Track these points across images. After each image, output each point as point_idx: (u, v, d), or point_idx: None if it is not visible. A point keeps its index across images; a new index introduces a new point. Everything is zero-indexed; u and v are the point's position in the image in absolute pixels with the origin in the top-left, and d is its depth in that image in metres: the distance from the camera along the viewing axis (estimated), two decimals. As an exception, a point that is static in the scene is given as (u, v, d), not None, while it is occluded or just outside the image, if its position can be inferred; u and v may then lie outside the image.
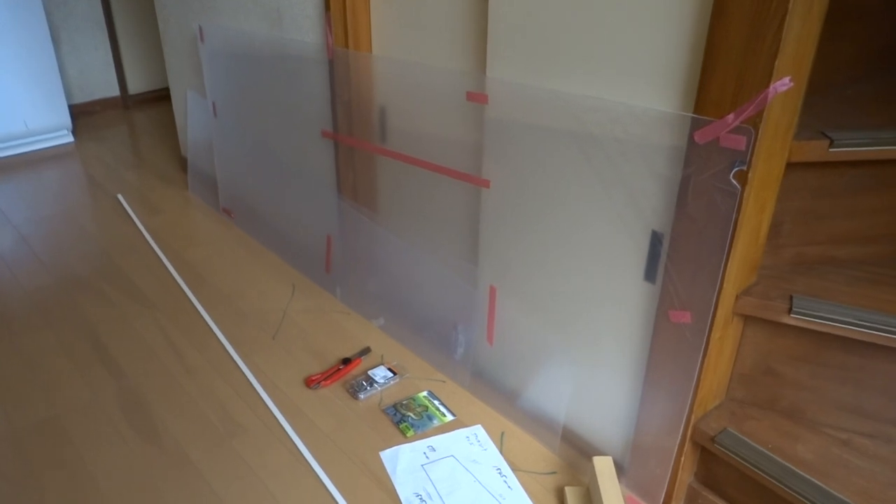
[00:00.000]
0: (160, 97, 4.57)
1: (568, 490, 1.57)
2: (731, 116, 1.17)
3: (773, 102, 1.14)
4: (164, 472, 1.66)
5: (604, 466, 1.52)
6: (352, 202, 2.20)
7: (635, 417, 1.54)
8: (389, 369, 1.98)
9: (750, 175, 1.19)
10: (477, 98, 1.66)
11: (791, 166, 1.30)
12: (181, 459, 1.70)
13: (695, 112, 1.22)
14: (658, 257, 1.38)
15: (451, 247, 1.93)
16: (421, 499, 1.58)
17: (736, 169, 1.20)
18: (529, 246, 1.65)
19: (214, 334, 2.17)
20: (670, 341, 1.39)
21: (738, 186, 1.20)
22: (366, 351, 2.07)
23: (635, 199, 1.38)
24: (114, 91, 4.44)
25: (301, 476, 1.65)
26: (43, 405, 1.88)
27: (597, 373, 1.60)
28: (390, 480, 1.63)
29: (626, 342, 1.51)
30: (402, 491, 1.60)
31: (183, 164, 3.36)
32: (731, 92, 1.16)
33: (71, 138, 3.88)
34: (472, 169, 1.75)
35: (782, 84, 1.13)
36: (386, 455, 1.71)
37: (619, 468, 1.59)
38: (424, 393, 1.90)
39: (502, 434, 1.77)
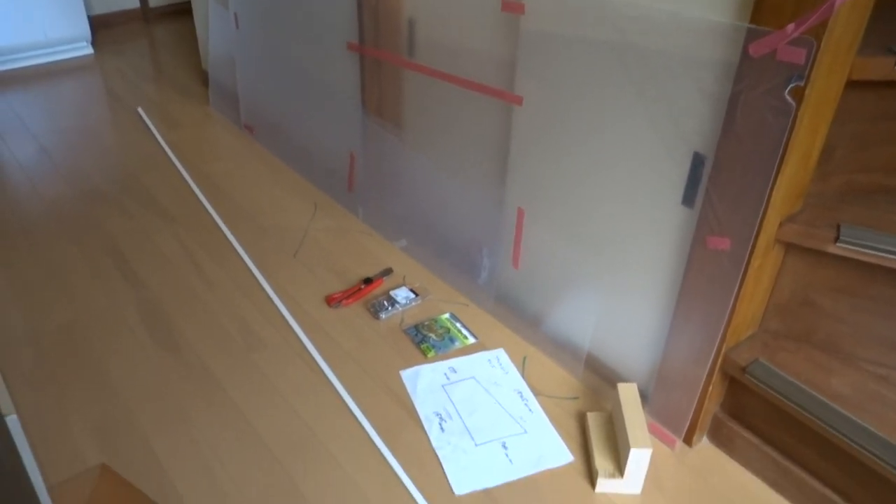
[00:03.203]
0: (181, 11, 4.44)
1: (590, 415, 1.55)
2: (791, 27, 1.08)
3: (838, 12, 1.05)
4: (184, 381, 1.66)
5: (628, 393, 1.49)
6: (376, 119, 2.13)
7: (663, 345, 1.50)
8: (411, 290, 1.95)
9: (807, 92, 1.11)
10: (512, 7, 1.57)
11: (850, 85, 1.21)
12: (200, 370, 1.69)
13: (751, 22, 1.13)
14: (699, 181, 1.31)
15: (479, 166, 1.86)
16: (441, 418, 1.57)
17: (792, 85, 1.12)
18: (561, 166, 1.58)
19: (235, 250, 2.14)
20: (706, 268, 1.34)
21: (793, 104, 1.12)
22: (388, 271, 2.04)
23: (678, 119, 1.31)
24: (134, 3, 4.32)
25: (321, 392, 1.64)
26: (62, 311, 1.87)
27: (625, 299, 1.56)
28: (410, 399, 1.62)
29: (658, 268, 1.46)
30: (422, 409, 1.59)
31: (204, 78, 3.28)
32: (793, 0, 1.07)
33: (90, 50, 3.80)
34: (504, 85, 1.67)
35: (852, -10, 1.04)
36: (406, 374, 1.69)
37: (644, 396, 1.57)
38: (446, 315, 1.87)
39: (524, 358, 1.75)
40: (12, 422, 0.89)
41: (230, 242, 2.17)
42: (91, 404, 1.60)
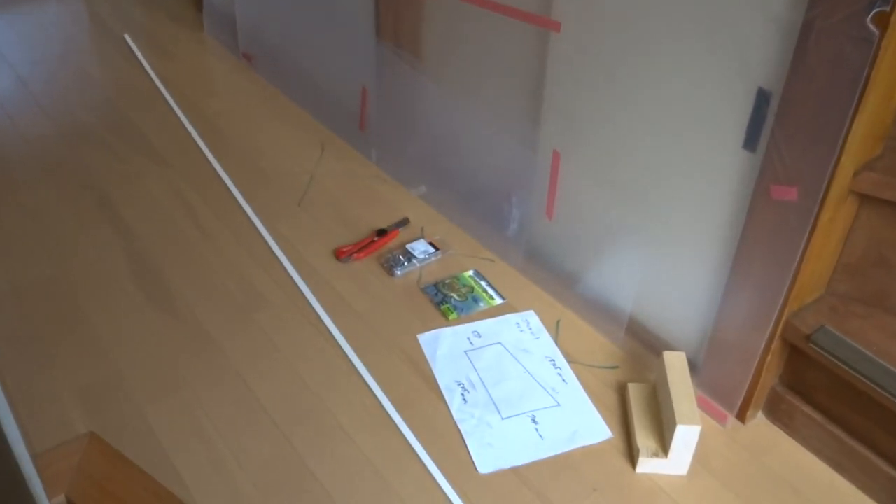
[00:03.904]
0: (172, -77, 4.38)
1: (631, 387, 1.54)
2: (879, -61, 1.03)
3: (937, -78, 1.00)
4: (179, 342, 1.67)
5: (675, 362, 1.48)
6: (393, 47, 2.09)
7: (716, 310, 1.48)
8: (430, 244, 1.94)
9: (893, 18, 1.07)
10: (550, -82, 1.51)
11: (945, 10, 1.15)
12: (197, 330, 1.70)
13: (832, -66, 1.08)
14: (763, 121, 1.27)
15: (509, 103, 1.83)
16: (463, 387, 1.57)
17: (876, 10, 1.07)
18: (604, 103, 1.55)
19: (233, 196, 2.14)
20: (768, 222, 1.31)
21: (877, 32, 1.08)
22: (404, 222, 2.02)
23: (741, 50, 1.27)
24: (119, -86, 4.26)
25: (329, 357, 1.65)
26: (47, 264, 1.88)
27: (674, 256, 1.54)
28: (429, 366, 1.62)
29: (712, 221, 1.43)
30: (442, 378, 1.59)
31: (198, 1, 3.24)
32: None
33: (72, -32, 3.77)
34: (539, 8, 1.63)
35: None
36: (424, 339, 1.69)
37: (692, 366, 1.55)
38: (470, 272, 1.86)
39: (558, 322, 1.74)
40: (-10, 385, 0.90)
41: (228, 188, 2.17)
42: (78, 366, 1.61)
